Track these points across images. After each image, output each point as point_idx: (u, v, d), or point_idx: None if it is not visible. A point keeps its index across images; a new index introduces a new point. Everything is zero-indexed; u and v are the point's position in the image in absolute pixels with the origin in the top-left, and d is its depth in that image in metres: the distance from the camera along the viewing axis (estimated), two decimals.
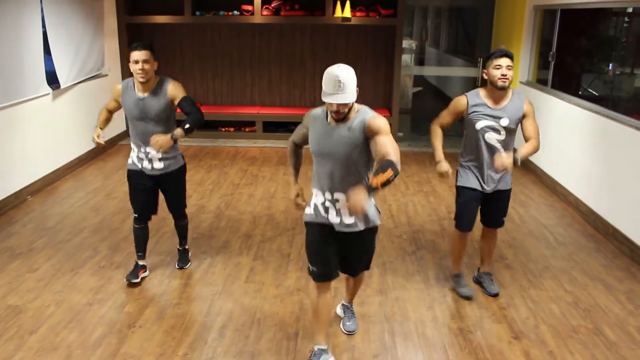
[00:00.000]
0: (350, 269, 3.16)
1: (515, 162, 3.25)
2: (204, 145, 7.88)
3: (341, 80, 2.61)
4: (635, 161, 4.47)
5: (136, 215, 3.92)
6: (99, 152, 7.17)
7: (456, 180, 3.71)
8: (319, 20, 7.77)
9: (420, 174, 6.70)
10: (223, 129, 8.37)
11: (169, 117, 3.72)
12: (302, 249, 4.54)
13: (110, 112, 3.95)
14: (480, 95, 3.50)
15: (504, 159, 3.20)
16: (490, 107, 3.44)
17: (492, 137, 3.46)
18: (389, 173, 2.38)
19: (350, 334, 3.36)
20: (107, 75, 7.51)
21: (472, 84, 8.58)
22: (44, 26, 5.96)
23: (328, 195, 2.88)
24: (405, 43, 9.01)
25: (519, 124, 3.49)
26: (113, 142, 7.68)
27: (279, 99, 8.65)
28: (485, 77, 3.46)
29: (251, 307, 3.66)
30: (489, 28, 8.27)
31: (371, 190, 2.62)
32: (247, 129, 8.36)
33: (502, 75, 3.34)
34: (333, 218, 2.91)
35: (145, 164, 3.77)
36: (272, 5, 7.74)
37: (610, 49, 6.20)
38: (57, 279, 3.98)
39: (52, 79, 6.16)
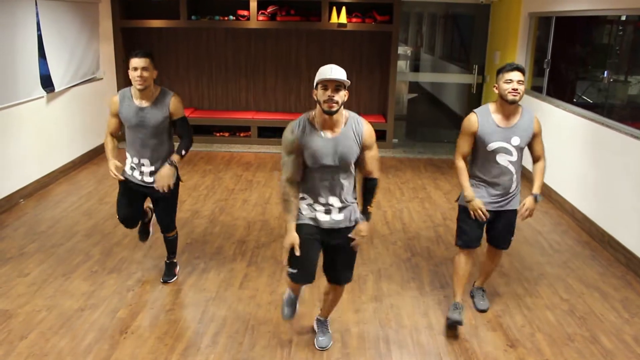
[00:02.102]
0: (337, 274, 3.13)
1: (536, 201, 3.41)
2: (198, 150, 7.85)
3: (335, 68, 2.75)
4: (630, 168, 4.47)
5: (120, 220, 3.92)
6: (92, 156, 7.13)
7: (458, 198, 3.60)
8: (314, 25, 7.76)
9: (415, 180, 6.68)
10: (218, 134, 8.35)
11: (166, 128, 3.67)
12: None
13: (115, 136, 3.75)
14: (490, 110, 3.40)
15: (526, 207, 3.38)
16: (500, 127, 3.35)
17: (503, 159, 3.37)
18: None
19: (322, 349, 3.27)
20: (102, 79, 7.47)
21: (467, 90, 8.60)
22: (39, 29, 5.93)
23: (322, 200, 2.93)
24: (401, 49, 9.02)
25: (528, 142, 3.42)
26: None
27: (274, 104, 8.63)
28: (496, 91, 3.38)
29: (245, 314, 3.62)
30: (484, 35, 8.30)
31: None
32: (242, 134, 8.34)
33: (513, 89, 3.25)
34: (321, 216, 2.96)
35: (136, 174, 3.72)
36: (268, 11, 7.74)
37: (605, 56, 6.21)
38: (48, 283, 3.93)
39: (47, 82, 6.13)
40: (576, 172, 5.42)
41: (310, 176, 2.91)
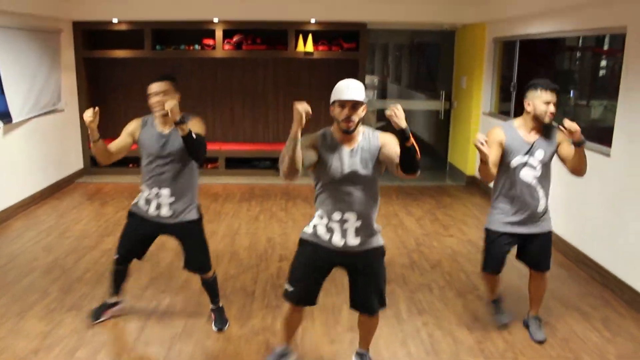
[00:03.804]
0: (364, 303, 2.92)
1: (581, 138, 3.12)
2: None
3: (352, 84, 2.65)
4: (600, 185, 4.46)
5: (117, 257, 3.60)
6: (53, 191, 6.86)
7: (487, 222, 3.52)
8: (281, 54, 7.72)
9: (386, 207, 6.59)
10: None
11: (188, 158, 3.38)
12: (267, 286, 4.34)
13: (109, 150, 3.36)
14: (514, 126, 3.33)
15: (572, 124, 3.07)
16: (525, 141, 3.27)
17: (527, 175, 3.29)
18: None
19: None
20: (63, 110, 7.23)
21: (435, 117, 8.64)
22: None
23: (336, 216, 2.76)
24: (367, 79, 9.04)
25: (554, 155, 3.34)
26: (70, 180, 7.37)
27: (242, 134, 8.50)
28: (528, 107, 3.27)
29: (214, 350, 3.41)
30: (450, 61, 8.38)
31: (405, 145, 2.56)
32: (209, 166, 8.16)
33: (552, 113, 3.19)
34: (337, 240, 2.79)
35: (152, 209, 3.41)
36: (234, 40, 7.68)
37: (567, 80, 6.33)
38: (0, 324, 3.65)
39: (4, 114, 5.89)
40: (555, 193, 5.40)
41: (325, 190, 2.77)
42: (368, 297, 2.89)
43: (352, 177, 2.71)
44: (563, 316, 3.89)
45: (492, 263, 3.51)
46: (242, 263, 4.83)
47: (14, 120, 6.04)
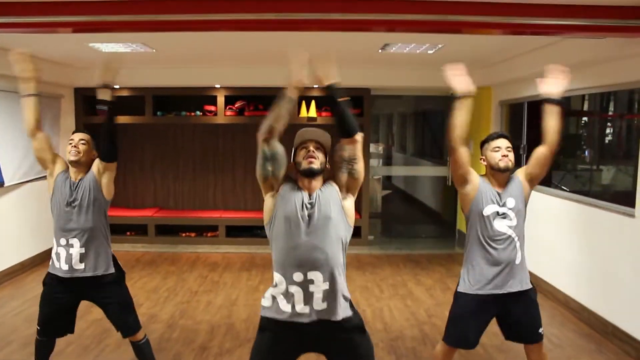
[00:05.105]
0: None
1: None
2: (162, 251, 7.33)
3: (315, 128, 2.46)
4: (626, 247, 4.13)
5: (39, 328, 3.27)
6: (45, 258, 6.54)
7: (457, 285, 3.13)
8: None
9: (394, 276, 6.24)
10: (184, 234, 7.85)
11: (102, 208, 3.22)
12: None
13: (40, 125, 3.25)
14: (484, 181, 3.09)
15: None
16: (496, 190, 3.02)
17: (502, 225, 3.00)
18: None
19: None
20: None
21: (442, 183, 8.41)
22: None
23: (298, 277, 2.37)
24: (372, 147, 8.91)
25: (526, 201, 3.06)
26: None
27: (244, 202, 8.26)
28: (484, 163, 3.09)
29: None
30: None
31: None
32: (209, 234, 7.86)
33: (503, 155, 2.97)
34: (300, 307, 2.38)
35: (62, 263, 3.17)
36: (236, 106, 7.59)
37: (576, 145, 6.20)
38: None
39: None
40: (565, 257, 5.06)
41: (280, 247, 2.43)
42: None
43: (314, 221, 2.41)
44: None
45: (458, 332, 3.05)
46: (239, 336, 4.45)
47: (6, 184, 5.84)
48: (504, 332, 3.14)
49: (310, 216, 2.40)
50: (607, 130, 5.94)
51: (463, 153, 2.93)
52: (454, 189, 8.42)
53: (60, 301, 3.23)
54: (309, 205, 2.41)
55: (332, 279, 2.39)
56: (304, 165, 2.41)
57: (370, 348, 2.53)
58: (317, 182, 2.46)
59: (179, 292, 5.60)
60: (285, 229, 2.40)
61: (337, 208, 2.44)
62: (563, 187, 6.31)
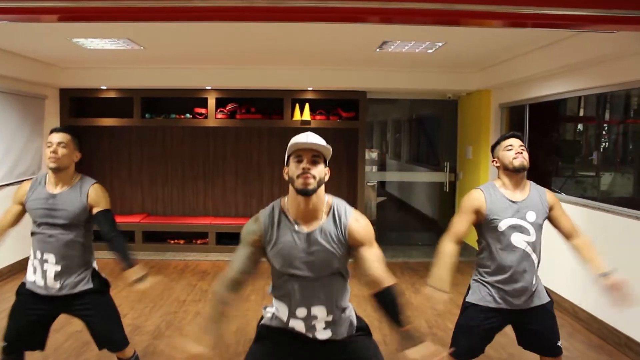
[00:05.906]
0: None
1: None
2: (149, 258, 7.06)
3: (312, 134, 2.15)
4: (637, 254, 3.91)
5: (5, 344, 2.93)
6: (23, 267, 6.24)
7: (466, 294, 2.95)
8: (277, 123, 7.38)
9: None
10: (172, 242, 7.58)
11: (82, 224, 2.93)
12: None
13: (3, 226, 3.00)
14: (496, 186, 2.88)
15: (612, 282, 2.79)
16: (511, 201, 2.80)
17: (519, 240, 2.79)
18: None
19: None
20: None
21: (439, 189, 8.21)
22: None
23: (301, 312, 2.21)
24: (367, 154, 8.71)
25: (546, 219, 2.88)
26: None
27: (235, 208, 8.00)
28: (497, 165, 2.90)
29: None
30: (453, 133, 8.06)
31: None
32: (198, 241, 7.60)
33: (517, 153, 2.79)
34: (303, 332, 2.29)
35: (39, 277, 2.91)
36: (227, 109, 7.35)
37: (575, 152, 6.04)
38: None
39: None
40: (571, 265, 4.83)
41: (282, 280, 2.24)
42: None
43: (309, 273, 2.20)
44: None
45: (464, 345, 2.87)
46: (229, 349, 4.21)
47: None
48: (519, 340, 2.96)
49: (309, 262, 2.20)
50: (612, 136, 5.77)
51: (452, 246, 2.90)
52: (452, 194, 8.21)
53: (34, 315, 2.93)
54: (307, 254, 2.19)
55: (335, 312, 2.28)
56: (298, 184, 2.12)
57: (378, 350, 2.42)
58: (316, 200, 2.21)
59: (165, 302, 5.34)
60: (283, 273, 2.25)
61: (336, 245, 2.21)
62: (563, 191, 6.14)
